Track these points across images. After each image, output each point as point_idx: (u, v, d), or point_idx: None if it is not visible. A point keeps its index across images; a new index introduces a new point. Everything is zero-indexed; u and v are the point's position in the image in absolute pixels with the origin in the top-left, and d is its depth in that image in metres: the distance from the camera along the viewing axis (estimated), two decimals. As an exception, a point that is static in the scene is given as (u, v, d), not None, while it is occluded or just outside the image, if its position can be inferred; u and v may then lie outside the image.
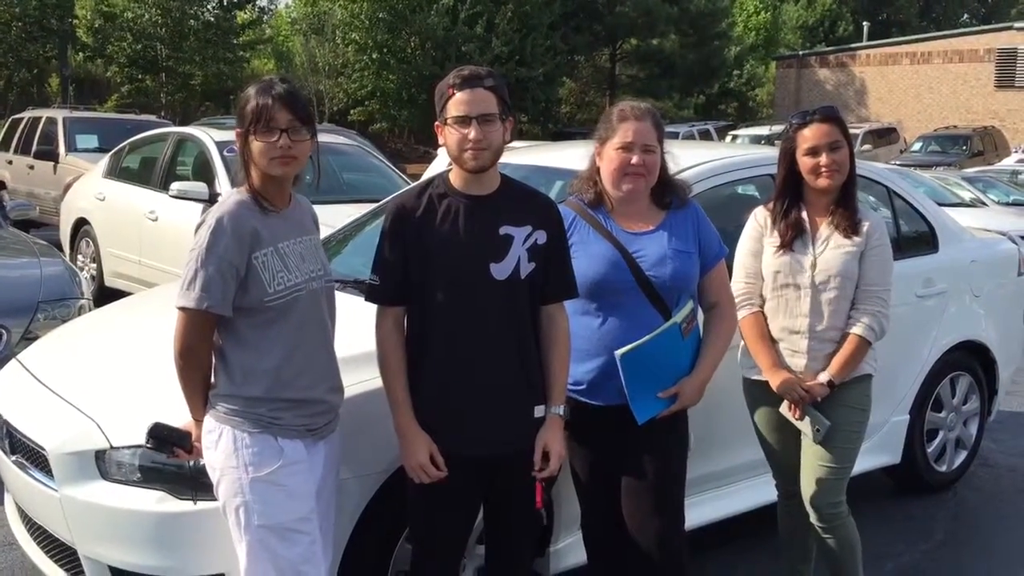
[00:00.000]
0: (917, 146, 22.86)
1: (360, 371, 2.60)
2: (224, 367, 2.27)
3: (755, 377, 3.04)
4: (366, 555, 2.68)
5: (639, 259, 2.62)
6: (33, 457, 2.81)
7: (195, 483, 2.47)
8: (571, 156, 3.60)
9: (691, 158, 3.53)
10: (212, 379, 2.30)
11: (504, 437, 2.40)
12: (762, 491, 3.50)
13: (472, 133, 2.29)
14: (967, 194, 12.42)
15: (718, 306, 2.77)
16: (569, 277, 2.50)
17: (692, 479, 2.83)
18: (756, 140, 21.65)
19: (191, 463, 2.44)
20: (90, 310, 4.65)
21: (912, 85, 31.00)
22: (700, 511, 3.37)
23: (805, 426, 2.94)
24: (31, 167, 11.69)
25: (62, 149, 11.25)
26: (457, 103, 2.30)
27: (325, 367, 2.36)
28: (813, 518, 3.01)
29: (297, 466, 2.27)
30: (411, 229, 2.37)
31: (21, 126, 12.53)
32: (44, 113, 12.59)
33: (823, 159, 2.86)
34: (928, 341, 4.22)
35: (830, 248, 2.92)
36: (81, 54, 28.39)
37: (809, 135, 2.87)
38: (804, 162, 2.90)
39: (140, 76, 27.50)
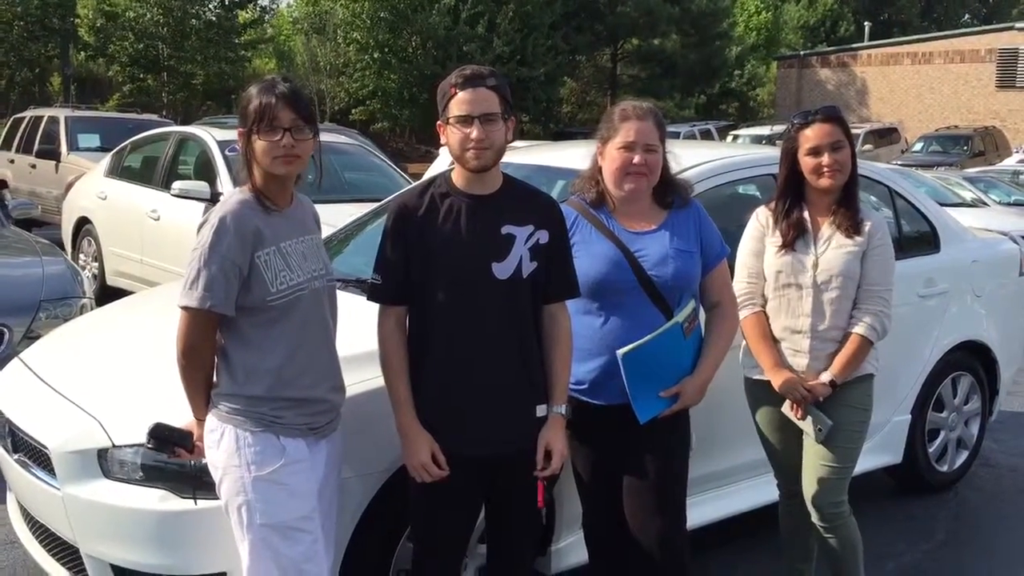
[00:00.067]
0: (918, 146, 22.85)
1: (362, 370, 2.60)
2: (226, 366, 2.27)
3: (757, 377, 3.05)
4: (368, 554, 2.68)
5: (641, 259, 2.62)
6: (35, 456, 2.82)
7: (196, 482, 2.48)
8: (573, 156, 3.60)
9: (692, 158, 3.53)
10: (214, 378, 2.30)
11: (506, 436, 2.40)
12: (763, 491, 3.50)
13: (474, 132, 2.29)
14: (968, 194, 12.41)
15: (720, 306, 2.77)
16: (571, 276, 2.50)
17: (694, 479, 2.83)
18: (757, 140, 21.63)
19: (193, 462, 2.44)
20: (92, 309, 4.66)
21: (913, 85, 30.99)
22: (702, 511, 3.37)
23: (807, 426, 2.94)
24: (33, 166, 11.70)
25: (64, 148, 11.26)
26: (459, 102, 2.31)
27: (327, 366, 2.37)
28: (815, 518, 3.01)
29: (299, 465, 2.28)
30: (413, 228, 2.38)
31: (23, 125, 12.54)
32: (46, 112, 12.60)
33: (825, 159, 2.86)
34: (929, 341, 4.22)
35: (832, 248, 2.92)
36: (83, 53, 28.39)
37: (811, 135, 2.88)
38: (806, 162, 2.90)
39: (142, 75, 27.51)
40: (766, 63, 38.22)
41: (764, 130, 24.08)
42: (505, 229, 2.38)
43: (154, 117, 13.76)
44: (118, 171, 8.23)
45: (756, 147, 6.13)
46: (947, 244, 4.38)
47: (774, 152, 3.56)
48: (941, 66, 30.34)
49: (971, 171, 16.04)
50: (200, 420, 2.32)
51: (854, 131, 3.16)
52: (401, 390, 2.38)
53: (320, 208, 2.57)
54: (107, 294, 7.10)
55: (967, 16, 48.56)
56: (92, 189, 8.31)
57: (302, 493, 2.27)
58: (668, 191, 2.71)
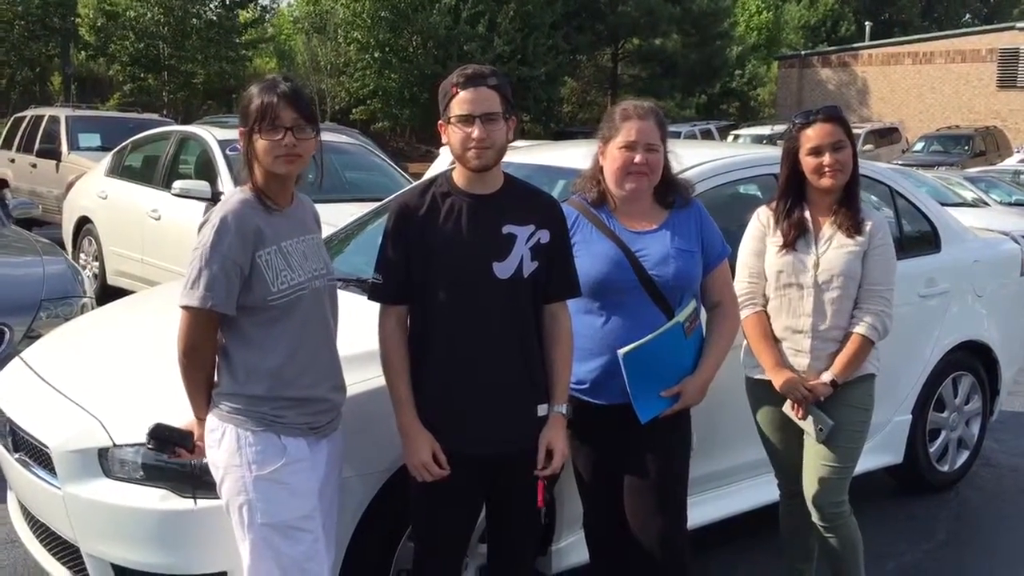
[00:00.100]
0: (919, 146, 22.84)
1: (363, 370, 2.60)
2: (227, 366, 2.27)
3: (758, 376, 3.05)
4: (368, 553, 2.68)
5: (642, 258, 2.61)
6: (36, 455, 2.82)
7: (197, 482, 2.48)
8: (574, 155, 3.60)
9: (693, 157, 3.53)
10: (215, 378, 2.30)
11: (507, 436, 2.40)
12: (764, 490, 3.50)
13: (475, 132, 2.29)
14: (969, 194, 12.41)
15: (721, 305, 2.77)
16: (572, 276, 2.50)
17: (694, 478, 2.83)
18: (758, 140, 21.64)
19: (194, 462, 2.44)
20: (93, 308, 4.66)
21: (914, 85, 30.98)
22: (702, 510, 3.37)
23: (808, 425, 2.94)
24: (34, 165, 11.71)
25: (64, 148, 11.26)
26: (461, 102, 2.31)
27: (328, 365, 2.37)
28: (815, 517, 3.01)
29: (300, 464, 2.28)
30: (414, 228, 2.38)
31: (24, 124, 12.54)
32: (47, 112, 12.60)
33: (826, 159, 2.86)
34: (930, 341, 4.22)
35: (833, 248, 2.92)
36: (83, 53, 28.39)
37: (812, 135, 2.87)
38: (807, 162, 2.90)
39: (142, 75, 27.51)
40: (767, 63, 38.21)
41: (765, 130, 24.09)
42: (506, 229, 2.38)
43: (155, 116, 13.77)
44: (119, 170, 8.23)
45: (757, 147, 6.12)
46: (948, 244, 4.38)
47: (775, 152, 3.56)
48: (942, 66, 30.33)
49: (972, 171, 16.04)
50: (201, 420, 2.32)
51: (855, 131, 3.15)
52: (402, 389, 2.38)
53: (321, 207, 2.57)
54: (108, 293, 7.10)
55: (968, 16, 48.54)
56: (93, 188, 8.31)
57: (303, 492, 2.27)
58: (669, 191, 2.71)
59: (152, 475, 2.55)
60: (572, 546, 3.07)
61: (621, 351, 2.56)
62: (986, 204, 12.24)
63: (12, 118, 13.57)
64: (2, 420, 3.01)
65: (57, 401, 2.86)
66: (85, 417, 2.70)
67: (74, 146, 11.27)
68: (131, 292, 6.34)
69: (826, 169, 2.87)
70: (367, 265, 2.60)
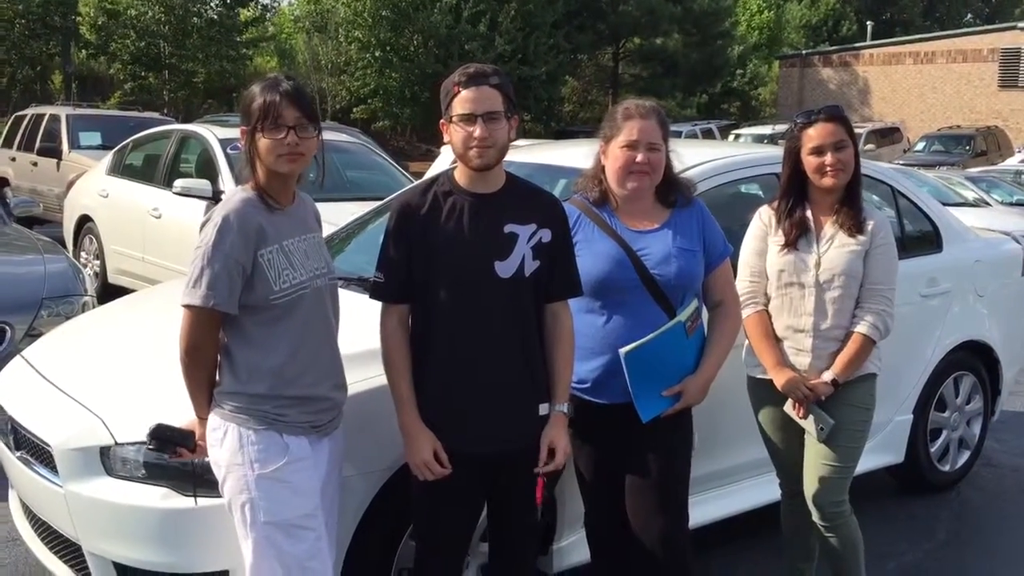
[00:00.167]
0: (920, 146, 22.83)
1: (364, 368, 2.60)
2: (229, 365, 2.27)
3: (759, 376, 3.05)
4: (370, 552, 2.68)
5: (644, 257, 2.61)
6: (38, 453, 2.82)
7: (198, 480, 2.48)
8: (575, 154, 3.60)
9: (694, 157, 3.53)
10: (217, 377, 2.30)
11: (508, 435, 2.40)
12: (765, 490, 3.50)
13: (477, 131, 2.29)
14: (970, 194, 12.40)
15: (722, 305, 2.76)
16: (573, 275, 2.50)
17: (696, 478, 2.83)
18: (759, 139, 21.63)
19: (195, 460, 2.43)
20: (94, 307, 4.66)
21: (916, 85, 30.97)
22: (704, 510, 3.37)
23: (809, 425, 2.94)
24: (34, 164, 11.71)
25: (65, 146, 11.27)
26: (463, 101, 2.31)
27: (329, 364, 2.37)
28: (815, 516, 3.01)
29: (302, 463, 2.28)
30: (416, 227, 2.37)
31: (24, 123, 12.54)
32: (47, 110, 12.60)
33: (828, 158, 2.86)
34: (932, 341, 4.22)
35: (834, 247, 2.91)
36: (84, 51, 28.38)
37: (814, 134, 2.87)
38: (809, 161, 2.90)
39: (143, 73, 27.50)
40: (768, 62, 38.20)
41: (766, 129, 24.08)
42: (508, 228, 2.38)
43: (156, 115, 13.77)
44: (120, 169, 8.23)
45: (758, 146, 6.12)
46: (949, 244, 4.38)
47: (776, 151, 3.56)
48: (943, 65, 30.32)
49: (973, 171, 16.03)
50: (202, 419, 2.32)
51: (856, 130, 3.15)
52: (403, 388, 2.38)
53: (322, 206, 2.57)
54: (108, 292, 7.11)
55: (969, 16, 48.53)
56: (94, 187, 8.32)
57: (305, 491, 2.28)
58: (671, 190, 2.71)
59: (154, 473, 2.55)
60: (573, 545, 3.07)
61: (623, 350, 2.56)
62: (987, 204, 12.24)
63: (13, 116, 13.57)
64: (4, 418, 3.01)
65: (59, 399, 2.86)
66: (87, 415, 2.70)
67: (75, 145, 11.27)
68: (132, 291, 6.34)
69: (828, 168, 2.87)
70: (368, 264, 2.60)
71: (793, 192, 2.97)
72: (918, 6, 44.56)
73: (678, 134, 19.18)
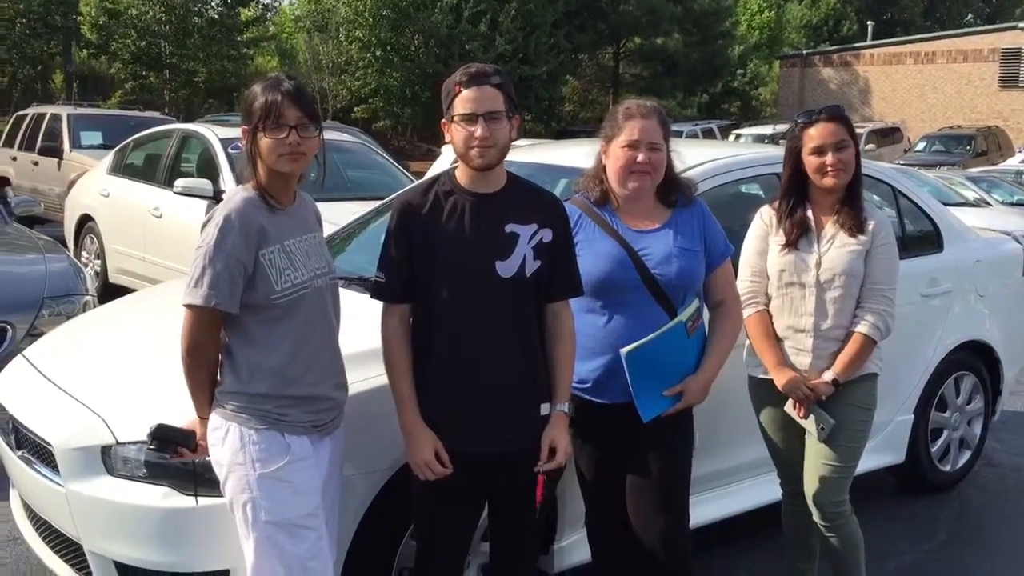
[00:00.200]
0: (921, 146, 22.82)
1: (365, 368, 2.60)
2: (230, 364, 2.28)
3: (760, 375, 3.05)
4: (370, 552, 2.68)
5: (645, 257, 2.61)
6: (39, 452, 2.82)
7: (198, 480, 2.48)
8: (576, 154, 3.60)
9: (695, 157, 3.53)
10: (218, 376, 2.30)
11: (509, 435, 2.40)
12: (766, 490, 3.50)
13: (479, 131, 2.29)
14: (971, 194, 12.40)
15: (724, 304, 2.76)
16: (575, 275, 2.50)
17: (697, 477, 2.83)
18: (759, 139, 21.61)
19: (196, 460, 2.43)
20: (95, 306, 4.66)
21: (916, 85, 30.96)
22: (705, 509, 3.37)
23: (809, 425, 2.94)
24: (35, 163, 11.71)
25: (66, 145, 11.27)
26: (464, 100, 2.31)
27: (330, 364, 2.37)
28: (816, 516, 3.01)
29: (303, 462, 2.28)
30: (417, 226, 2.38)
31: (25, 122, 12.55)
32: (48, 109, 12.61)
33: (829, 158, 2.86)
34: (933, 341, 4.22)
35: (835, 247, 2.92)
36: (85, 51, 28.40)
37: (815, 134, 2.87)
38: (810, 161, 2.90)
39: (144, 73, 27.52)
40: (769, 62, 38.20)
41: (766, 129, 24.05)
42: (509, 227, 2.38)
43: (156, 115, 13.77)
44: (120, 168, 8.23)
45: (759, 146, 6.12)
46: (950, 244, 4.38)
47: (777, 151, 3.56)
48: (944, 65, 30.31)
49: (974, 171, 16.02)
50: (203, 418, 2.32)
51: (856, 130, 3.15)
52: (404, 388, 2.38)
53: (322, 206, 2.57)
54: (109, 291, 7.11)
55: (970, 16, 48.52)
56: (94, 186, 8.32)
57: (307, 490, 2.28)
58: (672, 190, 2.71)
59: (155, 473, 2.55)
60: (574, 545, 3.07)
61: (624, 350, 2.56)
62: (988, 204, 12.23)
63: (14, 116, 13.57)
64: (5, 417, 3.01)
65: (60, 399, 2.86)
66: (88, 415, 2.71)
67: (76, 144, 11.27)
68: (133, 290, 6.34)
69: (829, 168, 2.87)
70: (369, 264, 2.60)
71: (794, 192, 2.97)
72: (919, 6, 44.55)
73: (679, 134, 19.17)
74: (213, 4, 27.94)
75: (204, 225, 2.24)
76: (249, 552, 2.27)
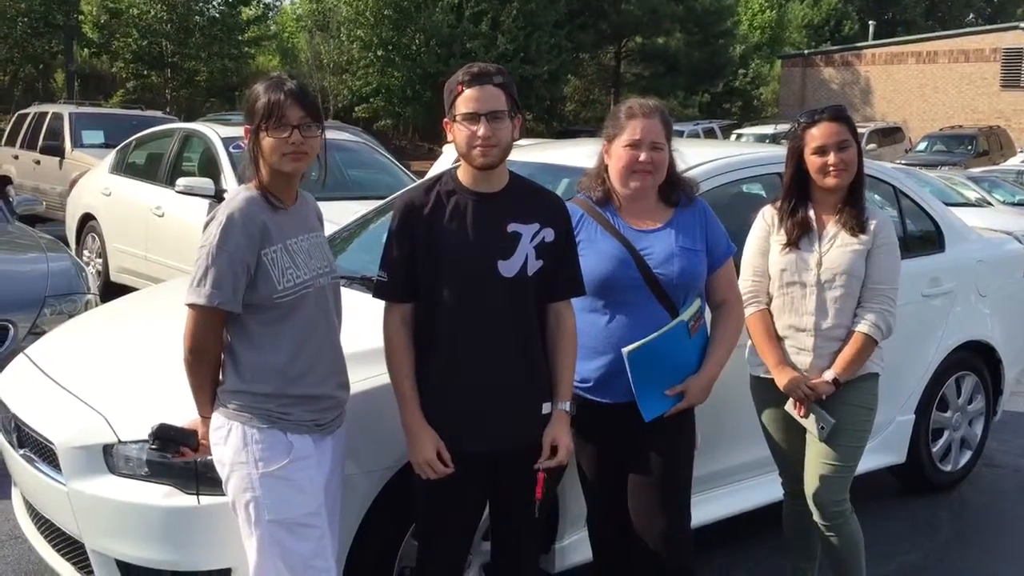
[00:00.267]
0: (922, 146, 22.81)
1: (367, 367, 2.60)
2: (233, 363, 2.28)
3: (762, 375, 3.05)
4: (372, 551, 2.68)
5: (646, 257, 2.62)
6: (41, 451, 2.82)
7: (200, 478, 2.48)
8: (578, 154, 3.60)
9: (697, 156, 3.53)
10: (220, 375, 2.31)
11: (511, 434, 2.40)
12: (767, 489, 3.50)
13: (481, 130, 2.29)
14: (972, 194, 12.40)
15: (726, 304, 2.76)
16: (576, 275, 2.50)
17: (699, 477, 2.83)
18: (761, 139, 21.60)
19: (198, 459, 2.44)
20: (96, 305, 4.67)
21: (918, 84, 30.94)
22: (707, 509, 3.37)
23: (810, 424, 2.94)
24: (37, 162, 11.73)
25: (68, 144, 11.28)
26: (466, 100, 2.31)
27: (332, 363, 2.37)
28: (816, 515, 3.01)
29: (306, 461, 2.28)
30: (419, 226, 2.38)
31: (27, 121, 12.57)
32: (50, 108, 12.62)
33: (831, 158, 2.86)
34: (934, 341, 4.22)
35: (836, 246, 2.92)
36: (86, 50, 28.41)
37: (817, 134, 2.88)
38: (812, 161, 2.90)
39: (145, 72, 27.54)
40: (770, 62, 38.17)
41: (768, 129, 24.05)
42: (511, 227, 2.38)
43: (158, 114, 13.79)
44: (122, 167, 8.24)
45: (760, 146, 6.12)
46: (952, 244, 4.38)
47: (778, 151, 3.56)
48: (945, 65, 30.29)
49: (975, 171, 16.01)
50: (205, 417, 2.32)
51: (858, 130, 3.15)
52: (406, 387, 2.38)
53: (324, 205, 2.58)
54: (111, 290, 7.11)
55: (971, 15, 48.49)
56: (96, 185, 8.32)
57: (309, 489, 2.28)
58: (674, 189, 2.70)
59: (157, 472, 2.55)
60: (575, 544, 3.08)
61: (625, 349, 2.56)
62: (989, 204, 12.23)
63: (16, 115, 13.59)
64: (7, 416, 3.02)
65: (62, 397, 2.87)
66: (90, 413, 2.71)
67: (78, 143, 11.29)
68: (134, 289, 6.34)
69: (831, 168, 2.87)
70: (371, 263, 2.60)
71: (796, 192, 2.98)
72: (920, 6, 44.52)
73: (680, 133, 19.18)
74: (215, 3, 27.95)
75: (207, 224, 2.25)
76: (252, 551, 2.28)
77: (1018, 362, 4.82)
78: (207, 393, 2.30)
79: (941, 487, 4.51)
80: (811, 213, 2.97)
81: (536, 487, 2.45)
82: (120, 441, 2.59)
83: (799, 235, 2.95)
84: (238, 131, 5.70)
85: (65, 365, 3.10)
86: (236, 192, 2.30)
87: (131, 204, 7.68)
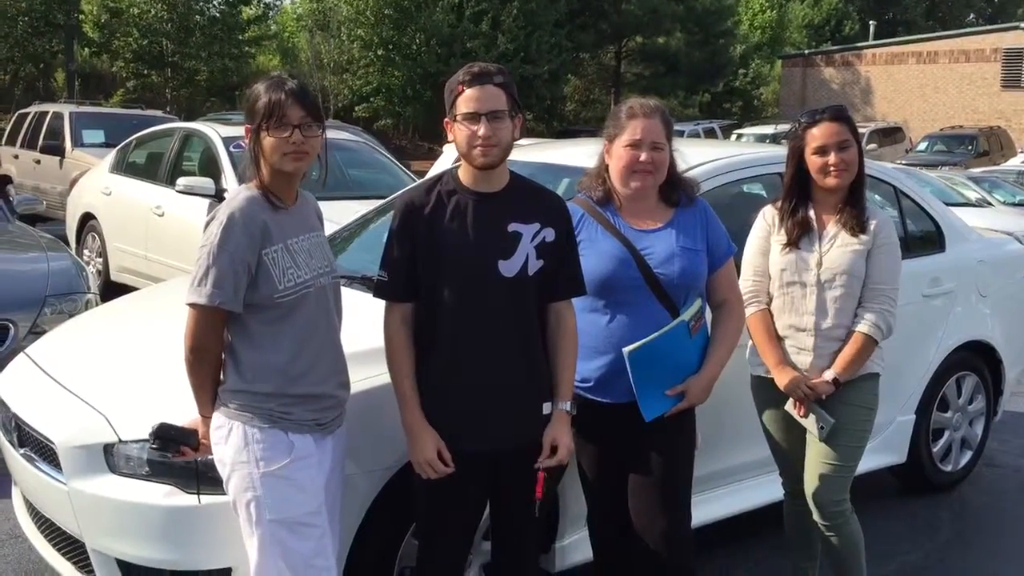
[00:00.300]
0: (923, 146, 22.81)
1: (367, 367, 2.60)
2: (234, 363, 2.28)
3: (763, 375, 3.05)
4: (372, 551, 2.68)
5: (647, 256, 2.62)
6: (41, 450, 2.82)
7: (201, 478, 2.48)
8: (578, 154, 3.60)
9: (697, 156, 3.53)
10: (221, 375, 2.31)
11: (511, 434, 2.40)
12: (768, 489, 3.50)
13: (481, 130, 2.29)
14: (973, 194, 12.40)
15: (726, 304, 2.76)
16: (577, 274, 2.50)
17: (699, 477, 2.84)
18: (761, 139, 21.60)
19: (199, 458, 2.44)
20: (97, 305, 4.67)
21: (918, 85, 30.94)
22: (707, 508, 3.38)
23: (810, 424, 2.94)
24: (37, 161, 11.73)
25: (68, 144, 11.29)
26: (467, 99, 2.31)
27: (333, 362, 2.37)
28: (816, 515, 3.01)
29: (307, 460, 2.28)
30: (420, 226, 2.38)
31: (27, 121, 12.57)
32: (50, 108, 12.63)
33: (832, 158, 2.86)
34: (934, 341, 4.22)
35: (836, 246, 2.92)
36: (87, 49, 28.42)
37: (818, 134, 2.88)
38: (813, 161, 2.90)
39: (146, 71, 27.55)
40: (770, 62, 38.17)
41: (768, 129, 24.04)
42: (511, 227, 2.38)
43: (158, 113, 13.80)
44: (122, 167, 8.24)
45: (761, 146, 6.12)
46: (952, 244, 4.38)
47: (779, 151, 3.56)
48: (946, 66, 30.28)
49: (976, 171, 16.01)
50: (205, 417, 2.32)
51: (859, 130, 3.15)
52: (407, 387, 2.38)
53: (324, 205, 2.58)
54: (111, 290, 7.12)
55: (972, 16, 48.47)
56: (96, 185, 8.32)
57: (310, 489, 2.28)
58: (674, 189, 2.70)
59: (157, 471, 2.55)
60: (575, 544, 3.08)
61: (626, 349, 2.56)
62: (990, 204, 12.23)
63: (16, 114, 13.60)
64: (7, 416, 3.02)
65: (62, 397, 2.87)
66: (91, 413, 2.71)
67: (78, 142, 11.29)
68: (135, 288, 6.34)
69: (831, 168, 2.87)
70: (371, 263, 2.60)
71: (796, 191, 2.98)
72: (920, 6, 44.50)
73: (680, 133, 19.11)
74: (215, 2, 27.96)
75: (207, 224, 2.25)
76: (253, 550, 2.28)
77: (1018, 362, 4.82)
78: (208, 393, 2.30)
79: (941, 487, 4.51)
80: (811, 213, 2.97)
81: (536, 486, 2.45)
82: (121, 440, 2.59)
83: (799, 235, 2.95)
84: (238, 131, 5.70)
85: (65, 364, 3.10)
86: (237, 192, 2.30)
87: (131, 203, 7.68)
